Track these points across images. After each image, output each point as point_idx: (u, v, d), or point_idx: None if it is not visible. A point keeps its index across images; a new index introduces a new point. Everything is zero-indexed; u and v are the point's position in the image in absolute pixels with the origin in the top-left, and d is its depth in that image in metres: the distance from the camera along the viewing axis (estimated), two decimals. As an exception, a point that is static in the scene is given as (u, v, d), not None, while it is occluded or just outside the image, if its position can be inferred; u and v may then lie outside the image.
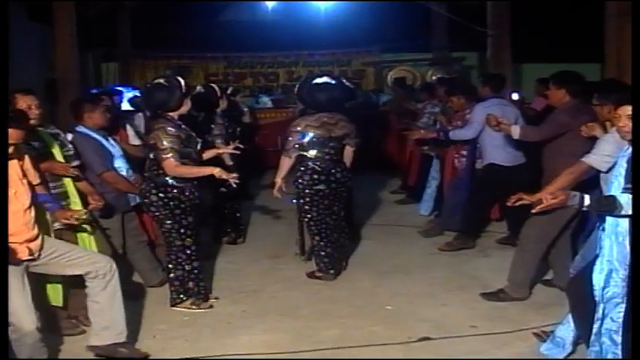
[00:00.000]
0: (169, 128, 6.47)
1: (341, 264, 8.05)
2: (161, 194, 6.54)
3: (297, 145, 7.58)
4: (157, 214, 6.63)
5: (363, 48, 22.09)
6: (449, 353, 5.72)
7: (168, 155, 6.39)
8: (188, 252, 6.70)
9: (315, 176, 7.58)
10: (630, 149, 4.76)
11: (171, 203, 6.54)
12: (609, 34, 9.54)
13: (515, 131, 7.18)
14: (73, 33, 12.08)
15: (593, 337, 4.94)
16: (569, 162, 5.99)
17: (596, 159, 5.64)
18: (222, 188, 8.56)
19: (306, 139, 7.57)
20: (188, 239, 6.68)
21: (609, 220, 4.80)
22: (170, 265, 6.75)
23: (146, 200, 6.61)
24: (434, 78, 14.91)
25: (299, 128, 7.61)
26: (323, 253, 7.80)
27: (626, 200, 4.60)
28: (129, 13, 20.14)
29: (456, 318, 6.49)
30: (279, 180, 7.69)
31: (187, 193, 6.59)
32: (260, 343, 6.04)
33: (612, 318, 4.82)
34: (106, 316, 5.39)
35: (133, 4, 19.84)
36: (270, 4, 22.06)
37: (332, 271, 7.83)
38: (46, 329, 5.33)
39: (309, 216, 7.74)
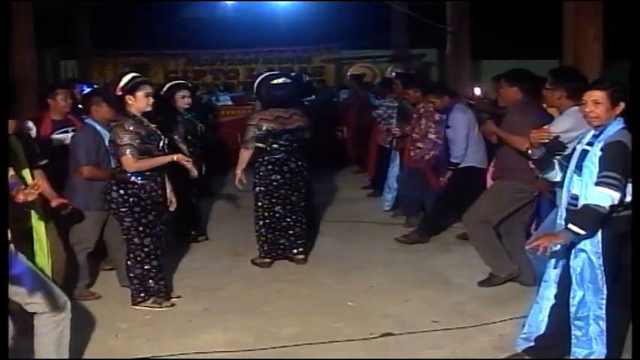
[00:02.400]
0: (128, 125, 6.43)
1: (287, 252, 8.28)
2: (121, 191, 6.50)
3: (253, 138, 7.95)
4: (116, 211, 6.59)
5: (322, 45, 22.14)
6: (411, 349, 5.73)
7: (126, 152, 6.38)
8: (147, 250, 6.67)
9: (270, 167, 8.00)
10: (603, 138, 4.87)
11: (130, 200, 6.50)
12: (567, 31, 9.60)
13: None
14: (30, 31, 11.93)
15: (572, 321, 5.01)
16: (521, 159, 6.15)
17: (557, 128, 5.79)
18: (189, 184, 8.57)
19: (262, 132, 7.92)
20: (147, 238, 6.65)
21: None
22: (129, 263, 6.72)
23: (107, 197, 6.57)
24: (393, 74, 14.92)
25: (254, 122, 8.00)
26: (263, 239, 8.17)
27: (602, 198, 4.71)
28: (88, 11, 19.96)
29: (418, 313, 6.51)
30: (239, 171, 8.06)
31: (148, 190, 6.55)
32: (222, 341, 6.01)
33: (598, 304, 4.90)
34: None
35: (92, 3, 19.66)
36: (229, 2, 21.99)
37: (268, 259, 8.15)
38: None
39: (259, 203, 8.09)
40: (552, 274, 5.27)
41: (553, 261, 5.24)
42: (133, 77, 6.57)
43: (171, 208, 6.95)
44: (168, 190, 6.87)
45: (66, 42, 19.89)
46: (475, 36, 14.29)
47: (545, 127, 5.46)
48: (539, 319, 5.35)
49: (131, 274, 6.73)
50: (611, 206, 4.77)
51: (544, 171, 5.47)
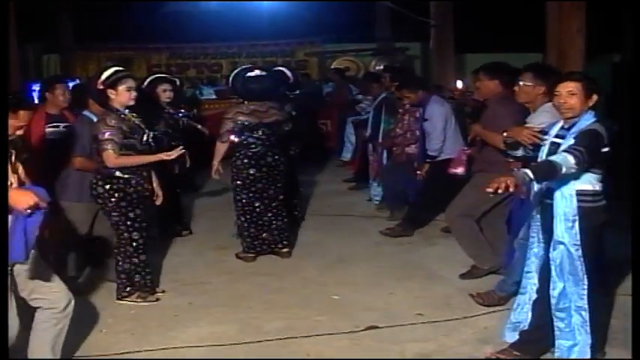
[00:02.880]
0: (110, 120, 6.41)
1: (272, 247, 8.28)
2: (107, 186, 6.48)
3: (229, 131, 7.98)
4: (103, 205, 6.57)
5: (306, 38, 22.12)
6: (396, 341, 5.74)
7: (107, 147, 6.37)
8: (135, 245, 6.66)
9: (246, 160, 8.01)
10: (576, 131, 4.88)
11: (116, 195, 6.48)
12: (551, 24, 9.64)
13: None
14: (11, 25, 11.86)
15: (554, 313, 5.02)
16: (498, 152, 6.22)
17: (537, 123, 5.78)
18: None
19: (238, 126, 7.96)
20: (135, 232, 6.63)
21: (559, 203, 4.91)
22: (118, 258, 6.70)
23: (93, 192, 6.54)
24: (377, 68, 14.95)
25: (230, 115, 8.05)
26: (246, 234, 8.16)
27: (561, 158, 4.70)
28: (70, 4, 19.86)
29: (403, 306, 6.53)
30: (215, 163, 8.12)
31: (134, 185, 6.52)
32: (207, 335, 6.01)
33: (579, 295, 4.92)
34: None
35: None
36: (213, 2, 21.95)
37: (252, 253, 8.16)
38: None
39: (238, 197, 8.11)
40: (533, 265, 5.30)
41: (534, 252, 5.28)
42: (115, 71, 6.52)
43: (158, 202, 6.94)
44: (155, 184, 6.85)
45: (48, 36, 19.77)
46: (459, 29, 14.32)
47: (535, 127, 5.43)
48: (524, 310, 5.39)
49: (119, 269, 6.72)
50: (588, 195, 4.88)
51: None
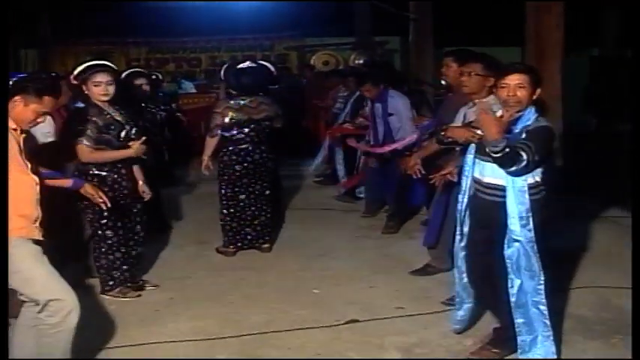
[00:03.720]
0: (88, 115, 6.40)
1: (254, 242, 8.29)
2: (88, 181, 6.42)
3: (218, 125, 7.95)
4: (80, 203, 6.52)
5: (285, 32, 22.08)
6: (377, 335, 5.75)
7: (81, 141, 6.34)
8: (109, 242, 6.65)
9: (234, 157, 8.00)
10: (521, 127, 4.82)
11: None
12: (529, 19, 9.69)
13: None
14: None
15: (514, 310, 4.97)
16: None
17: None
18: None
19: (226, 121, 7.92)
20: (109, 231, 6.62)
21: (512, 200, 4.83)
22: (95, 254, 6.72)
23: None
24: (357, 62, 14.94)
25: (219, 110, 8.01)
26: (227, 228, 8.18)
27: (521, 154, 4.65)
28: (48, -1, 19.78)
29: (383, 300, 6.54)
30: (205, 158, 8.08)
31: (110, 183, 6.48)
32: (187, 329, 5.99)
33: (536, 290, 4.89)
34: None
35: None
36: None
37: (232, 247, 8.17)
38: None
39: (222, 191, 8.10)
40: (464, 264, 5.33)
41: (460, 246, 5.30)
42: (87, 67, 6.47)
43: (146, 198, 6.88)
44: (140, 182, 6.81)
45: (26, 31, 19.64)
46: (438, 23, 14.35)
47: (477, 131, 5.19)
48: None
49: (97, 264, 6.74)
50: (534, 188, 4.87)
51: None
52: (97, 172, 6.46)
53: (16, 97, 4.50)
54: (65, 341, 4.62)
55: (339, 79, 12.24)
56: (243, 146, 7.98)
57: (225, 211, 8.13)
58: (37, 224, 4.61)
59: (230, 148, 7.98)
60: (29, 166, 4.60)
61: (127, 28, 21.34)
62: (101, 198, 5.70)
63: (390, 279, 7.11)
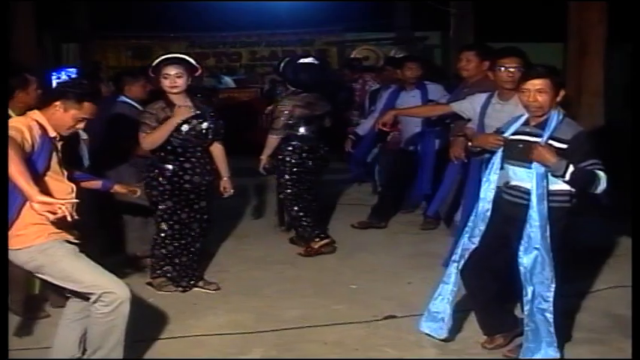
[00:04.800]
0: (152, 105, 6.48)
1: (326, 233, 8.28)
2: (146, 173, 6.55)
3: (285, 124, 7.79)
4: (146, 192, 6.55)
5: (325, 27, 22.01)
6: (413, 331, 5.71)
7: (141, 130, 6.41)
8: (162, 235, 6.65)
9: (304, 154, 7.88)
10: (549, 130, 4.78)
11: (153, 183, 6.49)
12: (571, 14, 9.59)
13: None
14: (30, 13, 11.91)
15: (526, 318, 4.97)
16: None
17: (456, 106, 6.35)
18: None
19: (294, 118, 7.78)
20: (163, 223, 6.61)
21: (538, 212, 4.77)
22: (152, 244, 6.79)
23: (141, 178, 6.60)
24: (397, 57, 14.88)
25: (288, 107, 7.80)
26: (305, 223, 8.02)
27: (603, 176, 4.66)
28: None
29: (420, 296, 6.47)
30: (264, 157, 7.92)
31: (168, 176, 6.46)
32: (224, 323, 6.02)
33: (543, 297, 4.86)
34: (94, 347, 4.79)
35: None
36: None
37: (317, 240, 8.02)
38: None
39: (288, 191, 7.96)
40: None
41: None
42: (160, 60, 6.48)
43: (225, 195, 6.89)
44: (225, 177, 6.82)
45: (66, 25, 19.80)
46: (479, 18, 14.25)
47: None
48: (444, 301, 5.39)
49: (152, 252, 6.81)
50: (562, 195, 4.85)
51: None
52: (155, 163, 6.50)
53: (56, 103, 4.49)
54: (119, 330, 4.63)
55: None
56: (310, 143, 7.90)
57: (296, 208, 8.00)
58: (73, 229, 4.63)
59: (298, 145, 7.86)
60: (65, 173, 4.62)
61: (167, 22, 21.40)
62: (134, 190, 5.64)
63: (428, 275, 7.04)
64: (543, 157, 4.70)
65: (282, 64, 8.34)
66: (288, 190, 7.97)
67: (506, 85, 5.81)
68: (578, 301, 6.19)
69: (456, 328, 5.52)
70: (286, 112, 7.80)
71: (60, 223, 4.43)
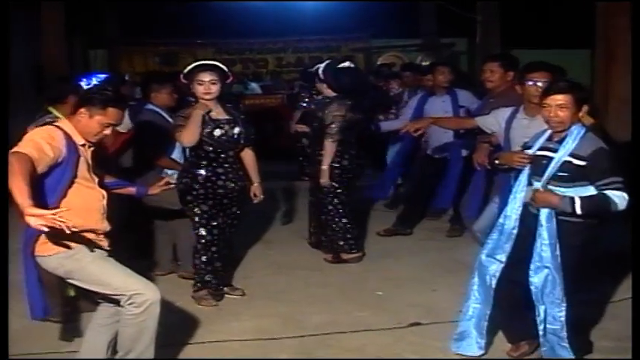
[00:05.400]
0: (184, 111, 6.44)
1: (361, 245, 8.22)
2: (179, 179, 6.49)
3: (340, 130, 7.64)
4: (181, 199, 6.57)
5: (352, 34, 22.05)
6: (439, 338, 5.70)
7: (177, 132, 6.40)
8: (202, 241, 6.56)
9: (355, 160, 7.80)
10: (571, 146, 4.76)
11: (186, 189, 6.45)
12: (599, 20, 9.55)
13: None
14: (60, 20, 12.00)
15: (541, 338, 4.97)
16: None
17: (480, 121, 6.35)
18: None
19: (344, 124, 7.66)
20: (202, 229, 6.53)
21: (547, 230, 4.78)
22: (193, 253, 6.73)
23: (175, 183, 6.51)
24: (423, 63, 14.89)
25: (340, 112, 7.66)
26: (349, 235, 7.93)
27: (619, 197, 4.62)
28: (116, -1, 20.10)
29: (446, 303, 6.48)
30: (325, 167, 7.68)
31: (202, 181, 6.41)
32: (249, 328, 6.03)
33: (554, 317, 4.86)
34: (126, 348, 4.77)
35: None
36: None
37: (359, 252, 8.00)
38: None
39: (337, 200, 7.83)
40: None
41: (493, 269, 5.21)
42: (194, 66, 6.48)
43: (255, 201, 6.83)
44: (255, 183, 6.77)
45: (94, 31, 19.95)
46: (505, 25, 14.21)
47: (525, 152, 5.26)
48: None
49: (194, 262, 6.72)
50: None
51: None
52: (189, 169, 6.49)
53: (81, 110, 4.51)
54: (150, 331, 4.66)
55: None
56: (353, 150, 7.84)
57: (344, 219, 7.87)
58: (104, 236, 4.67)
59: (349, 151, 7.77)
60: (96, 179, 4.64)
61: (194, 29, 21.53)
62: (167, 187, 5.56)
63: (453, 282, 7.03)
64: (546, 202, 4.76)
65: (320, 69, 8.07)
66: (337, 199, 7.84)
67: (533, 100, 5.68)
68: (605, 309, 6.15)
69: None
70: (339, 117, 7.64)
71: (93, 233, 4.50)
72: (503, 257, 5.10)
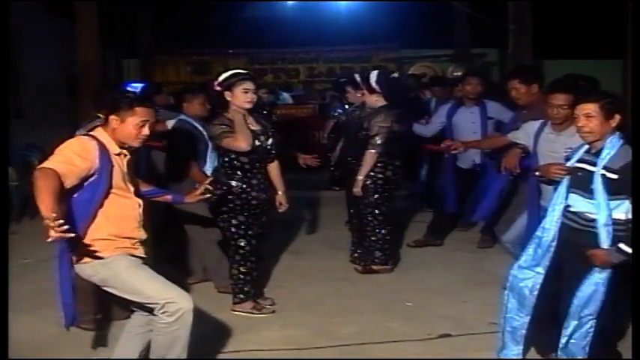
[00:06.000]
0: (220, 119, 6.37)
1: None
2: (214, 191, 6.29)
3: (385, 141, 7.62)
4: (211, 210, 6.59)
5: (383, 44, 22.04)
6: (469, 350, 5.70)
7: (224, 137, 6.32)
8: (242, 252, 6.57)
9: (398, 171, 7.80)
10: (607, 158, 4.72)
11: (221, 200, 6.43)
12: (631, 30, 9.48)
13: None
14: (94, 30, 12.11)
15: (560, 351, 4.97)
16: None
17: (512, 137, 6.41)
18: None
19: (390, 134, 7.64)
20: (240, 240, 6.53)
21: (602, 234, 4.71)
22: (230, 264, 6.70)
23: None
24: (454, 74, 14.83)
25: (387, 124, 7.63)
26: (386, 246, 7.93)
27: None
28: (149, 9, 20.19)
29: (476, 314, 6.47)
30: (363, 177, 7.66)
31: (239, 192, 6.41)
32: (279, 338, 6.05)
33: (582, 334, 4.86)
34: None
35: (153, 1, 19.88)
36: (290, 1, 22.08)
37: (391, 264, 8.00)
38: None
39: (377, 211, 7.80)
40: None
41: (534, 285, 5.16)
42: (233, 74, 6.43)
43: (281, 210, 6.79)
44: (280, 192, 6.73)
45: (128, 40, 20.11)
46: (538, 35, 14.12)
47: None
48: None
49: (231, 275, 6.70)
50: (621, 225, 4.72)
51: None
52: (224, 180, 6.43)
53: (112, 117, 4.56)
54: (183, 340, 4.68)
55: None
56: (397, 162, 7.83)
57: (384, 230, 7.86)
58: (139, 244, 4.70)
59: (391, 162, 7.76)
60: (132, 188, 4.67)
61: (226, 38, 21.64)
62: (203, 191, 5.49)
63: (484, 294, 7.02)
64: (605, 263, 4.71)
65: (373, 79, 7.82)
66: (377, 210, 7.80)
67: (554, 122, 5.80)
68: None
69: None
70: (385, 127, 7.60)
71: (130, 241, 4.55)
72: (541, 269, 5.06)
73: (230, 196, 6.42)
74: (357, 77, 8.32)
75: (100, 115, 4.84)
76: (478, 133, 8.60)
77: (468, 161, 8.79)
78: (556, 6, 17.36)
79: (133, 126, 4.56)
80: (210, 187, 5.54)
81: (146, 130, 4.63)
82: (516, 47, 14.16)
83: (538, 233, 5.11)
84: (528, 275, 5.13)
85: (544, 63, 17.93)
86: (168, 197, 5.33)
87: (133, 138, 4.60)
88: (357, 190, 7.67)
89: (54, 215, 3.81)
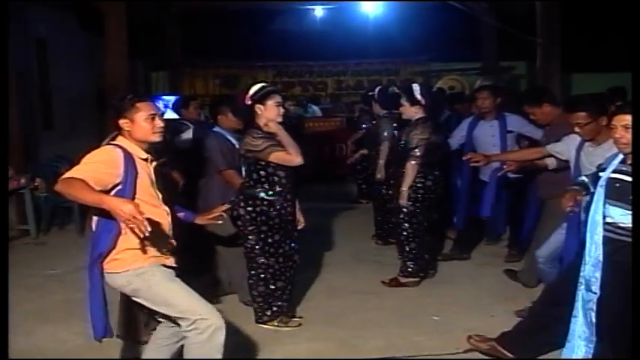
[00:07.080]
0: (256, 133, 6.28)
1: (428, 269, 8.19)
2: (249, 208, 6.34)
3: (425, 153, 7.67)
4: (243, 228, 6.44)
5: (411, 57, 22.03)
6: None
7: (273, 148, 6.21)
8: (271, 271, 6.50)
9: (437, 182, 7.83)
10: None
11: (258, 219, 6.34)
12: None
13: None
14: (123, 42, 12.18)
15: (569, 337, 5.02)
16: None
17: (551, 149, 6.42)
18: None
19: (430, 145, 7.70)
20: (272, 258, 6.46)
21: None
22: (251, 282, 6.59)
23: (234, 213, 6.34)
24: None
25: (426, 136, 7.69)
26: (419, 256, 7.94)
27: None
28: (178, 21, 20.31)
29: (504, 329, 6.40)
30: (406, 188, 7.70)
31: (277, 208, 6.34)
32: (305, 351, 6.04)
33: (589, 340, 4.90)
34: None
35: (182, 13, 19.99)
36: (318, 14, 22.12)
37: (420, 276, 7.98)
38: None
39: (415, 220, 7.83)
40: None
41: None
42: (263, 87, 6.42)
43: (299, 227, 6.71)
44: (297, 208, 6.66)
45: (156, 53, 20.23)
46: (566, 47, 14.05)
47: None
48: None
49: (254, 293, 6.60)
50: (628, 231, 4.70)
51: None
52: (263, 196, 6.32)
53: (121, 122, 4.57)
54: (215, 358, 4.63)
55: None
56: (437, 172, 7.86)
57: (413, 243, 7.86)
58: (170, 253, 4.69)
59: (431, 173, 7.80)
60: (160, 196, 4.66)
61: (254, 51, 21.72)
62: (215, 220, 5.41)
63: (511, 308, 6.97)
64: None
65: (417, 92, 7.85)
66: (415, 220, 7.83)
67: (583, 137, 5.91)
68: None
69: None
70: (425, 139, 7.65)
71: (160, 249, 4.54)
72: (597, 289, 4.93)
73: (272, 214, 6.34)
74: (416, 88, 8.04)
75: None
76: (498, 146, 8.57)
77: (489, 174, 8.74)
78: (584, 19, 17.27)
79: (143, 121, 4.57)
80: (225, 215, 5.48)
81: (159, 122, 4.64)
82: (545, 60, 14.11)
83: (587, 248, 5.00)
84: (590, 296, 4.98)
85: (572, 76, 17.87)
86: (181, 215, 5.31)
87: (150, 132, 4.60)
88: (402, 201, 7.71)
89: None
